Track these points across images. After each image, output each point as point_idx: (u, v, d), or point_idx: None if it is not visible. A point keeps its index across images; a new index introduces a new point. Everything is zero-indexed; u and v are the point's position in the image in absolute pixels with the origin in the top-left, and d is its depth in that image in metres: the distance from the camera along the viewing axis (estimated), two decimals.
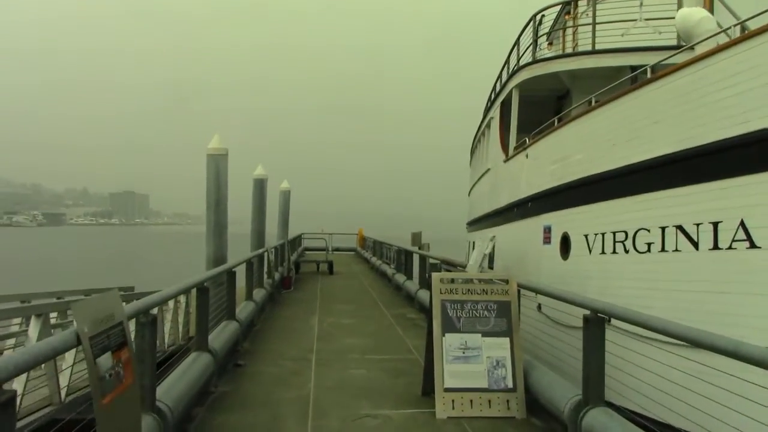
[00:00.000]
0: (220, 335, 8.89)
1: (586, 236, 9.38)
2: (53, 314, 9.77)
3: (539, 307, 9.99)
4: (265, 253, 16.61)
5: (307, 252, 38.63)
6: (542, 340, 8.38)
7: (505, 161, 14.61)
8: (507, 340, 7.04)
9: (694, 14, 9.58)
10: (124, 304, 4.22)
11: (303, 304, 15.92)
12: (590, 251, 9.27)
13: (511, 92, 14.66)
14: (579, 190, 9.63)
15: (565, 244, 10.17)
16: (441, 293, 7.22)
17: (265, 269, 16.77)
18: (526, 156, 12.46)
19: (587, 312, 5.61)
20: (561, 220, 10.43)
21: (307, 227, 40.84)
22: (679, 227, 7.39)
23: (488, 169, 17.32)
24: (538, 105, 15.44)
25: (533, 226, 11.69)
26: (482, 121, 22.09)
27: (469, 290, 7.24)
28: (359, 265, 32.02)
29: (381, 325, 12.94)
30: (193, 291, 8.57)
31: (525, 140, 12.93)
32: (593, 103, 10.10)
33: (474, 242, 26.53)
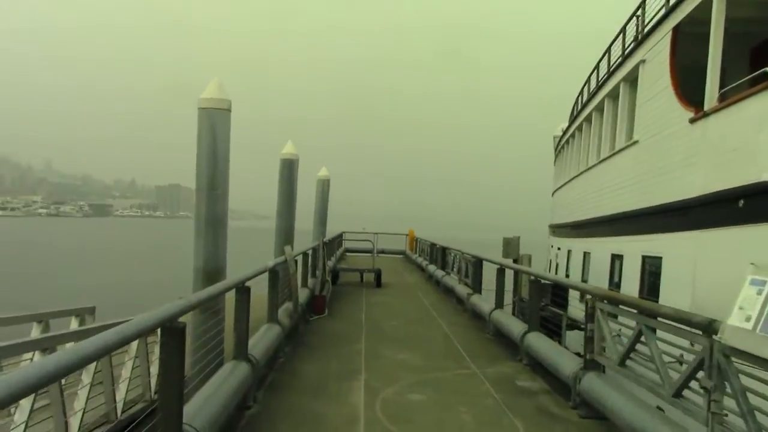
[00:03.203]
0: None
1: None
2: None
3: None
4: (288, 264, 10.88)
5: (348, 254, 33.03)
6: None
7: (692, 121, 8.49)
8: None
9: None
10: None
11: (340, 349, 10.10)
12: None
13: (705, 4, 8.52)
14: None
15: None
16: None
17: (295, 284, 11.08)
18: None
19: None
20: None
21: (345, 224, 35.11)
22: None
23: (633, 143, 11.17)
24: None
25: None
26: (595, 84, 15.99)
27: None
28: (412, 274, 26.09)
29: (483, 410, 7.01)
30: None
31: (765, 72, 6.82)
32: None
33: (557, 249, 20.30)
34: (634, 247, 10.52)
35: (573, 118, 20.16)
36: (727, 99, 7.69)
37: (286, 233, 16.54)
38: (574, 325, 11.15)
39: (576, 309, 13.14)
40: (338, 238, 29.52)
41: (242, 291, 6.82)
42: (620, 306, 6.53)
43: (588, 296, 7.01)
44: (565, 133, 22.31)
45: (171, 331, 4.39)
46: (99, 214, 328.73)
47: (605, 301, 6.71)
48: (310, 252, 15.25)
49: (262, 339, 7.96)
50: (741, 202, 6.88)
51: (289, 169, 16.97)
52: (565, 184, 20.47)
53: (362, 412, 6.71)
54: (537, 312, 9.47)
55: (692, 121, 8.44)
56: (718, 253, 7.39)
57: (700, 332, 4.86)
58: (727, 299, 7.09)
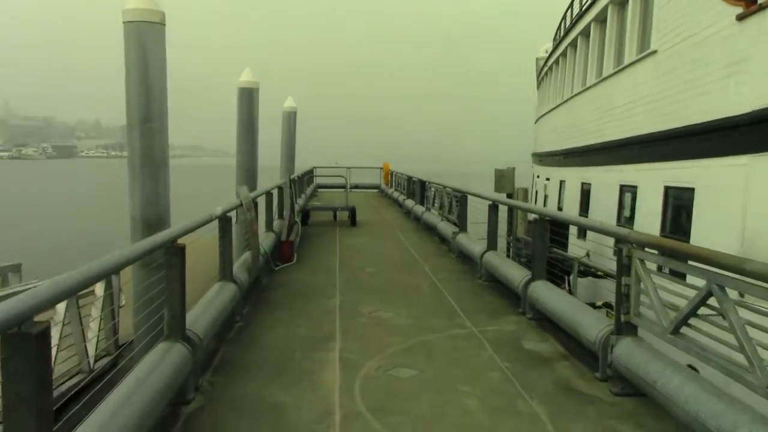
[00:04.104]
0: None
1: None
2: None
3: None
4: (245, 207, 9.18)
5: (319, 190, 31.41)
6: None
7: (741, 17, 6.80)
8: None
9: None
10: None
11: (310, 306, 8.55)
12: None
13: None
14: None
15: None
16: None
17: (255, 230, 9.39)
18: None
19: None
20: None
21: (317, 161, 33.27)
22: None
23: (649, 54, 9.47)
24: None
25: None
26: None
27: None
28: (389, 210, 24.52)
29: (490, 389, 5.52)
30: None
31: None
32: None
33: (545, 180, 18.79)
34: (654, 177, 8.97)
35: (562, 36, 18.28)
36: None
37: (247, 170, 14.72)
38: (586, 271, 9.70)
39: (574, 246, 11.72)
40: (309, 174, 27.75)
41: (173, 252, 5.11)
42: (674, 258, 4.97)
43: (623, 243, 5.45)
44: (552, 53, 20.41)
45: (20, 339, 2.72)
46: (63, 155, 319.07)
47: (653, 250, 5.16)
48: (275, 191, 13.53)
49: (208, 307, 6.32)
50: None
51: (248, 99, 14.94)
52: (554, 108, 18.74)
53: (337, 400, 5.18)
54: (544, 257, 7.96)
55: (741, 17, 6.77)
56: None
57: None
58: None
